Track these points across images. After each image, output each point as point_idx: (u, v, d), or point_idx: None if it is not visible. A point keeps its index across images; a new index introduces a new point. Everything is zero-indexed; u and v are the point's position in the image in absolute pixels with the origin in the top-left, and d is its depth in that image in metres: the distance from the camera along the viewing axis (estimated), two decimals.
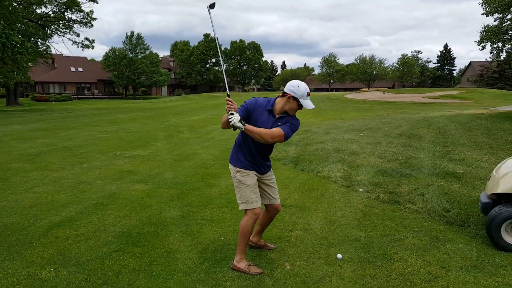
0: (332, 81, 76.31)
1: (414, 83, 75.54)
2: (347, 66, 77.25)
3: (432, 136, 9.53)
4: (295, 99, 2.95)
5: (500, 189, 3.46)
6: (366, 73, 70.53)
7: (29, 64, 30.33)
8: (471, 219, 4.06)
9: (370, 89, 62.83)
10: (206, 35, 67.67)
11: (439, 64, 78.74)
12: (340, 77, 74.43)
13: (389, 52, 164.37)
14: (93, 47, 30.89)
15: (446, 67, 78.86)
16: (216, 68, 68.37)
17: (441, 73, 78.08)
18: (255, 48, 69.86)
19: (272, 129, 2.93)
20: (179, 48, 67.46)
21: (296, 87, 2.95)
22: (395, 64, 73.28)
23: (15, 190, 5.36)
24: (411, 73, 71.37)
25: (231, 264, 3.07)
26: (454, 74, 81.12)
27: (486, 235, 3.53)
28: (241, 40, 68.74)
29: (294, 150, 8.38)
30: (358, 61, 73.08)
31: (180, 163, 7.27)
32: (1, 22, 22.66)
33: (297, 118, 3.05)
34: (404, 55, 73.63)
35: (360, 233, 3.73)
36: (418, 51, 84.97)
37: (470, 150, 7.80)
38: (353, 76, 71.93)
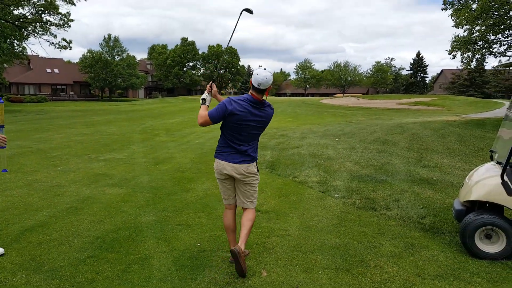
0: (308, 86, 77.32)
1: (387, 90, 77.53)
2: (322, 72, 78.50)
3: (406, 142, 9.83)
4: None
5: (473, 197, 3.55)
6: (340, 79, 71.88)
7: (4, 65, 29.28)
8: (445, 226, 4.18)
9: (345, 94, 64.03)
10: (184, 39, 67.33)
11: (412, 71, 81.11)
12: (316, 82, 75.55)
13: (364, 59, 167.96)
14: (70, 47, 30.11)
15: (419, 74, 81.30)
16: (193, 72, 68.06)
17: (414, 80, 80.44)
18: (232, 53, 69.97)
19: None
20: (157, 51, 66.83)
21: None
22: (369, 71, 75.06)
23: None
24: (384, 80, 73.27)
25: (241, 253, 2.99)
26: (427, 81, 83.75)
27: (460, 242, 3.60)
28: (218, 45, 68.71)
29: (271, 155, 8.45)
30: (333, 67, 74.43)
31: (156, 167, 7.19)
32: None
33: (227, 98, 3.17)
34: (377, 62, 75.61)
35: (337, 239, 3.80)
36: (392, 58, 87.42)
37: (443, 156, 8.09)
38: (328, 82, 73.17)
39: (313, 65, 77.37)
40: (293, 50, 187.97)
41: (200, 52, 68.75)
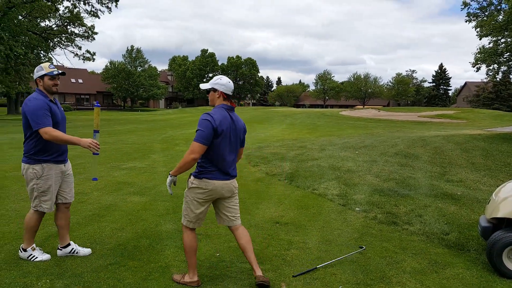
0: (327, 97, 76.99)
1: (409, 102, 76.37)
2: (342, 83, 78.10)
3: (428, 156, 9.63)
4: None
5: (500, 214, 3.43)
6: (360, 90, 71.29)
7: (31, 75, 30.45)
8: (470, 243, 4.04)
9: (365, 106, 63.43)
10: (204, 51, 68.47)
11: (434, 84, 79.79)
12: (335, 94, 75.15)
13: (384, 70, 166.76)
14: (93, 59, 31.18)
15: (442, 86, 79.90)
16: None
17: (436, 93, 79.04)
18: (251, 64, 70.65)
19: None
20: (177, 62, 68.17)
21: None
22: (389, 83, 74.21)
23: (13, 199, 5.34)
24: (406, 92, 72.23)
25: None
26: (450, 94, 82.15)
27: (486, 260, 3.47)
28: (237, 56, 69.51)
29: (290, 166, 8.43)
30: (352, 78, 73.94)
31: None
32: (6, 34, 22.83)
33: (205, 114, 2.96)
34: (398, 74, 74.67)
35: (358, 254, 3.74)
36: (413, 70, 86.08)
37: (467, 171, 7.87)
38: (348, 94, 72.66)
39: (333, 76, 77.11)
40: (312, 61, 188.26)
41: (219, 63, 69.68)
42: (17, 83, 28.14)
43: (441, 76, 78.81)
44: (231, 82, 3.06)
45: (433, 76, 79.56)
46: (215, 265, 3.42)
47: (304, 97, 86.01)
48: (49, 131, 3.10)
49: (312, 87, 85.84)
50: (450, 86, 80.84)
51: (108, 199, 5.50)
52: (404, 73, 78.14)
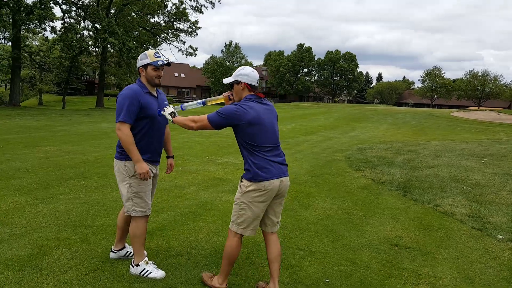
0: (435, 96, 70.19)
1: None
2: (453, 81, 70.46)
3: None
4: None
5: None
6: (476, 90, 63.41)
7: None
8: None
9: (480, 108, 56.23)
10: (300, 45, 67.72)
11: None
12: (445, 92, 68.08)
13: (506, 68, 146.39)
14: (195, 54, 32.85)
15: None
16: (306, 78, 67.91)
17: None
18: (350, 58, 67.82)
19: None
20: (273, 57, 68.65)
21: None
22: (511, 83, 64.63)
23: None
24: None
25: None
26: None
27: None
28: (336, 51, 67.28)
29: (400, 174, 7.37)
30: (468, 76, 66.14)
31: None
32: (121, 29, 25.21)
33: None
34: None
35: None
36: None
37: None
38: (461, 93, 65.21)
39: (444, 73, 69.93)
40: (419, 57, 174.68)
41: (316, 58, 68.35)
42: (128, 75, 30.97)
43: None
44: (255, 71, 2.78)
45: None
46: None
47: (408, 95, 79.86)
48: (123, 129, 2.76)
49: (418, 84, 79.26)
50: None
51: (204, 196, 5.26)
52: None
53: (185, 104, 3.03)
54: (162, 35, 31.79)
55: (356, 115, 30.58)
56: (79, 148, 9.00)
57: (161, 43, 32.84)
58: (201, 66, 61.69)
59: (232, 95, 2.86)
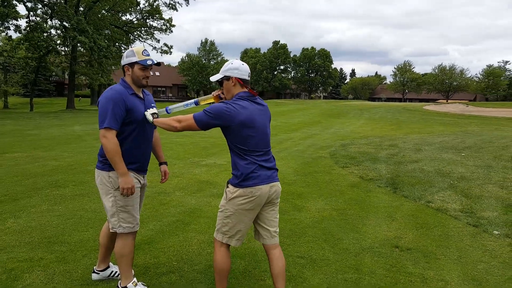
0: (406, 90, 71.93)
1: (498, 97, 68.36)
2: (423, 75, 72.40)
3: None
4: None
5: None
6: (445, 83, 65.41)
7: (113, 67, 32.38)
8: None
9: (448, 101, 58.06)
10: (275, 42, 67.77)
11: None
12: (416, 87, 69.89)
13: (470, 62, 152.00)
14: (171, 52, 32.21)
15: None
16: (283, 75, 68.12)
17: None
18: (324, 55, 68.45)
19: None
20: (249, 55, 68.39)
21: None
22: (478, 75, 67.10)
23: (93, 197, 5.05)
24: (497, 86, 64.78)
25: None
26: None
27: None
28: (312, 48, 67.71)
29: (387, 169, 7.31)
30: (436, 70, 68.14)
31: None
32: (91, 27, 24.28)
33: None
34: (489, 66, 67.11)
35: None
36: (506, 61, 76.67)
37: None
38: (430, 86, 67.12)
39: (414, 68, 71.68)
40: (388, 53, 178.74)
41: (291, 55, 68.59)
42: (100, 75, 29.96)
43: None
44: (245, 64, 2.53)
45: None
46: None
47: (381, 90, 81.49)
48: (109, 136, 2.44)
49: (390, 79, 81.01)
50: None
51: (191, 202, 4.97)
52: (495, 65, 70.00)
53: (170, 107, 2.73)
54: (135, 33, 30.94)
55: (333, 111, 30.80)
56: (50, 153, 8.47)
57: (134, 41, 32.00)
58: (176, 64, 60.57)
59: (222, 93, 2.60)
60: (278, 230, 2.62)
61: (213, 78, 2.58)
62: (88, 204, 4.75)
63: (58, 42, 28.14)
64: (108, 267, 2.90)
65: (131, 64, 2.57)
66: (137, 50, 2.59)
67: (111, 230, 2.62)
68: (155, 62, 2.62)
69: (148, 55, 2.62)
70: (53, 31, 26.90)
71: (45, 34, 25.63)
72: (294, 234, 3.93)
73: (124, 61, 2.60)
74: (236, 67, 2.47)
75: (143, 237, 3.70)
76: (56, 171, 6.58)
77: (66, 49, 29.62)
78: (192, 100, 2.78)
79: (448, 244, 3.76)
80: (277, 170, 2.56)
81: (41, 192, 5.26)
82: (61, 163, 7.35)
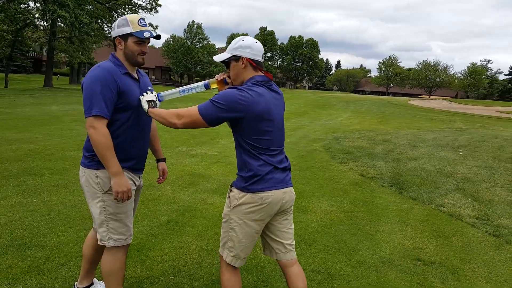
0: (391, 85, 72.53)
1: (478, 94, 69.81)
2: (408, 69, 73.09)
3: None
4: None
5: None
6: (428, 79, 66.21)
7: (94, 45, 30.96)
8: None
9: (430, 97, 58.78)
10: (263, 29, 66.75)
11: (510, 77, 72.26)
12: (399, 81, 70.52)
13: (451, 59, 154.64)
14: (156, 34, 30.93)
15: None
16: (269, 63, 67.38)
17: None
18: (312, 45, 67.95)
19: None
20: None
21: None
22: (459, 73, 68.24)
23: (73, 188, 4.48)
24: (479, 84, 66.04)
25: None
26: None
27: None
28: (299, 36, 67.03)
29: (386, 167, 6.98)
30: (420, 66, 68.84)
31: None
32: (72, 1, 22.94)
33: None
34: (473, 64, 68.24)
35: None
36: (488, 60, 78.18)
37: None
38: (414, 81, 67.86)
39: (399, 62, 72.17)
40: (373, 46, 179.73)
41: (279, 43, 67.79)
42: (80, 52, 28.60)
43: None
44: (258, 42, 2.03)
45: (511, 67, 72.02)
46: None
47: (365, 82, 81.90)
48: (98, 126, 1.92)
49: (374, 73, 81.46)
50: None
51: (183, 198, 4.48)
52: (478, 63, 71.26)
53: (162, 93, 2.19)
54: (119, 11, 29.53)
55: (319, 101, 30.51)
56: (25, 135, 7.74)
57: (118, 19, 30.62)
58: (160, 45, 58.77)
59: (229, 77, 2.10)
60: (294, 242, 2.18)
61: (218, 58, 2.07)
62: (67, 197, 4.19)
63: (37, 15, 26.55)
64: (92, 283, 2.39)
65: (124, 36, 2.04)
66: (131, 19, 2.04)
67: (99, 243, 2.10)
68: (154, 34, 2.09)
69: (146, 25, 2.08)
70: (31, 4, 25.33)
71: (22, 6, 24.07)
72: (304, 241, 3.50)
73: (115, 32, 2.06)
74: (248, 45, 1.98)
75: (132, 242, 3.18)
76: (31, 156, 5.94)
77: (45, 23, 28.05)
78: (196, 84, 2.26)
79: (472, 257, 3.41)
80: (290, 170, 2.12)
81: (13, 181, 4.64)
82: (37, 146, 6.68)
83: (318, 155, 7.92)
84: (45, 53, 36.05)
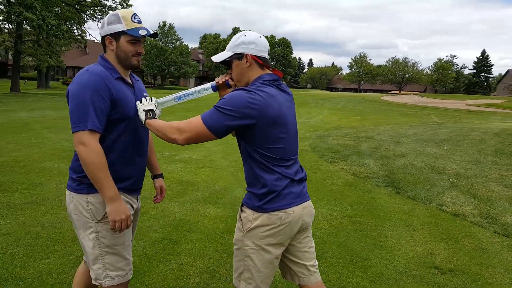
0: (363, 82, 73.94)
1: (446, 88, 72.35)
2: (379, 66, 74.76)
3: None
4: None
5: None
6: (398, 75, 67.91)
7: (63, 48, 29.70)
8: None
9: (401, 92, 60.22)
10: (235, 29, 66.40)
11: (475, 71, 75.27)
12: (370, 78, 71.99)
13: (417, 56, 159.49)
14: None
15: (483, 74, 75.39)
16: None
17: (477, 80, 74.63)
18: (285, 45, 68.20)
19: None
20: (208, 41, 66.48)
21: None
22: (427, 69, 70.49)
23: (50, 205, 4.04)
24: (446, 78, 68.37)
25: None
26: (490, 82, 77.46)
27: None
28: (272, 36, 67.11)
29: (376, 165, 6.85)
30: (390, 62, 70.52)
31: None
32: (39, 3, 21.82)
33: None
34: (440, 59, 70.56)
35: None
36: (454, 56, 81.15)
37: None
38: (384, 78, 69.44)
39: (370, 59, 73.71)
40: (343, 44, 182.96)
41: None
42: (48, 56, 27.36)
43: (483, 63, 74.17)
44: (263, 36, 1.77)
45: (474, 62, 75.08)
46: None
47: (337, 80, 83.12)
48: (89, 142, 1.59)
49: (346, 70, 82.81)
50: (492, 74, 76.07)
51: (174, 210, 4.12)
52: (444, 59, 73.83)
53: (159, 101, 1.89)
54: (88, 12, 28.42)
55: (295, 100, 30.39)
56: None
57: (87, 21, 29.46)
58: None
59: (231, 79, 1.81)
60: (316, 262, 1.91)
61: (217, 58, 1.79)
62: (44, 215, 3.75)
63: (1, 18, 25.13)
64: None
65: (116, 35, 1.71)
66: (124, 15, 1.72)
67: (94, 282, 1.75)
68: (151, 32, 1.76)
69: (140, 21, 1.76)
70: None
71: None
72: None
73: (105, 30, 1.72)
74: (251, 40, 1.71)
75: None
76: (0, 170, 5.41)
77: (10, 26, 26.58)
78: (195, 89, 1.94)
79: (489, 261, 3.25)
80: (306, 181, 1.84)
81: None
82: (7, 158, 6.12)
83: (306, 155, 7.72)
84: (10, 57, 34.27)
